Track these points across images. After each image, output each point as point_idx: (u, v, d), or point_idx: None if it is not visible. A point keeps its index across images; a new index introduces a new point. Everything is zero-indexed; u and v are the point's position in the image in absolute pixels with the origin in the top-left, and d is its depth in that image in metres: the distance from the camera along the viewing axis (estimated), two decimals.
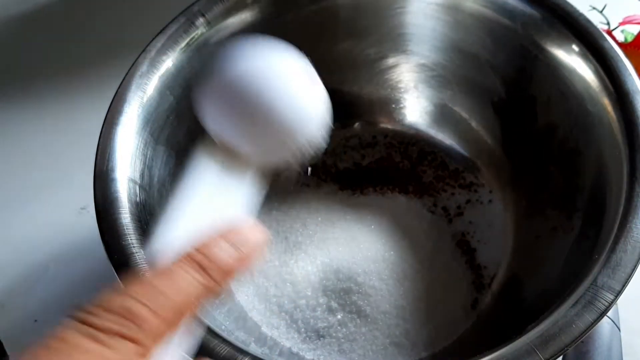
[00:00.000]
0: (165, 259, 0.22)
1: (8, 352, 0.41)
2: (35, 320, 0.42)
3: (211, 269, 0.21)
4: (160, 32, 0.37)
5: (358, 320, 0.38)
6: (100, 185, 0.32)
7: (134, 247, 0.30)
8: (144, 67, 0.36)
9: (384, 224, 0.42)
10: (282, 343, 0.38)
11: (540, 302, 0.32)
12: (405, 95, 0.47)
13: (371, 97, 0.47)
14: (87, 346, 0.18)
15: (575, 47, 0.36)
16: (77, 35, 0.58)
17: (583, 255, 0.31)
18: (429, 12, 0.41)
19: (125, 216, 0.31)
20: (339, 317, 0.38)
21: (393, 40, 0.43)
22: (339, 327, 0.38)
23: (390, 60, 0.45)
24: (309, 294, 0.39)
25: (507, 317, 0.37)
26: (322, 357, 0.37)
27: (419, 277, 0.40)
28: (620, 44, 0.36)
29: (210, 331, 0.28)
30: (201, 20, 0.38)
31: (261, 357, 0.27)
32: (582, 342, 0.29)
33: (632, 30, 0.51)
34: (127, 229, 0.31)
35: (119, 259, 0.30)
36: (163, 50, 0.36)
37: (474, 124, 0.45)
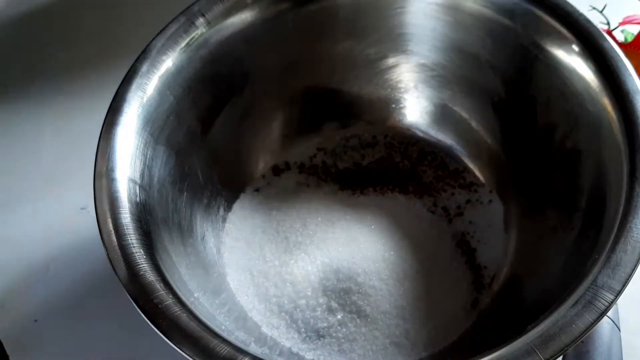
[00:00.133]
0: None
1: (8, 352, 0.41)
2: (35, 320, 0.42)
3: None
4: (160, 32, 0.37)
5: (358, 320, 0.38)
6: (100, 185, 0.32)
7: (134, 247, 0.30)
8: (144, 67, 0.36)
9: (384, 224, 0.42)
10: (282, 343, 0.38)
11: (540, 302, 0.32)
12: (405, 95, 0.47)
13: (371, 97, 0.47)
14: None
15: (575, 47, 0.36)
16: (77, 35, 0.58)
17: (583, 255, 0.31)
18: (429, 12, 0.41)
19: (125, 216, 0.31)
20: (339, 317, 0.38)
21: (393, 40, 0.44)
22: (339, 327, 0.38)
23: (390, 60, 0.45)
24: (309, 294, 0.39)
25: (507, 317, 0.37)
26: (322, 357, 0.37)
27: (419, 277, 0.40)
28: (620, 44, 0.36)
29: (210, 331, 0.28)
30: (201, 20, 0.38)
31: (261, 357, 0.27)
32: (582, 342, 0.29)
33: (632, 30, 0.51)
34: (127, 229, 0.31)
35: (119, 259, 0.30)
36: (163, 50, 0.36)
37: (474, 124, 0.45)
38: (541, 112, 0.40)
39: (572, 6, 0.37)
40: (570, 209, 0.36)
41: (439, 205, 0.44)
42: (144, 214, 0.32)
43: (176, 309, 0.28)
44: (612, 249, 0.29)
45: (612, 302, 0.28)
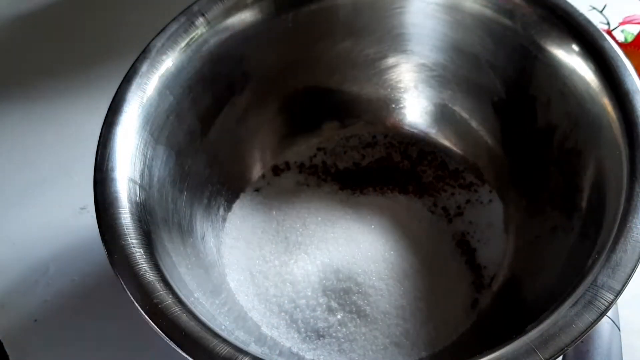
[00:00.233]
0: None
1: (8, 352, 0.41)
2: (35, 320, 0.42)
3: None
4: (160, 32, 0.37)
5: (358, 320, 0.38)
6: (100, 185, 0.32)
7: (133, 247, 0.30)
8: (144, 67, 0.36)
9: (384, 224, 0.42)
10: (282, 343, 0.38)
11: (540, 302, 0.32)
12: (405, 95, 0.47)
13: (371, 97, 0.47)
14: None
15: (575, 47, 0.36)
16: (77, 35, 0.58)
17: (583, 255, 0.31)
18: (428, 12, 0.41)
19: (125, 216, 0.31)
20: (339, 317, 0.38)
21: (393, 40, 0.44)
22: (339, 327, 0.38)
23: (390, 60, 0.45)
24: (309, 294, 0.39)
25: (507, 317, 0.37)
26: (322, 357, 0.37)
27: (419, 277, 0.40)
28: (620, 44, 0.36)
29: (210, 331, 0.28)
30: (201, 20, 0.38)
31: (261, 357, 0.27)
32: (582, 342, 0.29)
33: (632, 30, 0.51)
34: (127, 229, 0.31)
35: (119, 259, 0.30)
36: (163, 50, 0.36)
37: (474, 124, 0.45)
38: (541, 112, 0.40)
39: (572, 6, 0.37)
40: (570, 209, 0.36)
41: (439, 205, 0.44)
42: (144, 214, 0.32)
43: (176, 309, 0.28)
44: (612, 249, 0.29)
45: (612, 302, 0.27)
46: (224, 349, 0.27)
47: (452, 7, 0.40)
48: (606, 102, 0.34)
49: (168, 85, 0.37)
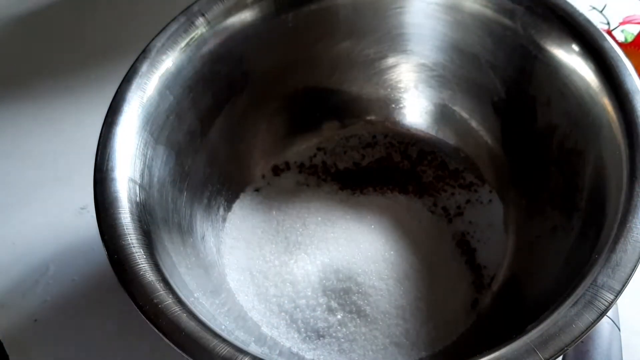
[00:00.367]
0: None
1: (8, 352, 0.41)
2: (35, 320, 0.42)
3: None
4: (160, 32, 0.37)
5: (358, 320, 0.38)
6: (100, 185, 0.32)
7: (133, 247, 0.30)
8: (144, 67, 0.36)
9: (384, 224, 0.42)
10: (282, 343, 0.38)
11: (540, 302, 0.32)
12: (405, 95, 0.47)
13: (371, 97, 0.47)
14: None
15: (575, 47, 0.36)
16: (77, 35, 0.58)
17: (583, 255, 0.31)
18: (428, 12, 0.41)
19: (125, 216, 0.31)
20: (339, 317, 0.38)
21: (393, 40, 0.44)
22: (339, 327, 0.38)
23: (390, 60, 0.45)
24: (309, 294, 0.39)
25: (507, 317, 0.37)
26: (322, 357, 0.37)
27: (419, 277, 0.40)
28: (620, 44, 0.36)
29: (210, 331, 0.28)
30: (201, 20, 0.38)
31: (261, 357, 0.27)
32: (582, 342, 0.29)
33: (632, 30, 0.51)
34: (127, 229, 0.31)
35: (119, 259, 0.30)
36: (163, 50, 0.36)
37: (474, 124, 0.45)
38: (541, 112, 0.40)
39: (572, 6, 0.37)
40: (570, 209, 0.36)
41: (439, 205, 0.44)
42: (144, 214, 0.32)
43: (176, 309, 0.28)
44: (612, 249, 0.29)
45: (612, 302, 0.27)
46: (224, 349, 0.27)
47: (452, 7, 0.40)
48: (606, 102, 0.34)
49: (168, 85, 0.37)
